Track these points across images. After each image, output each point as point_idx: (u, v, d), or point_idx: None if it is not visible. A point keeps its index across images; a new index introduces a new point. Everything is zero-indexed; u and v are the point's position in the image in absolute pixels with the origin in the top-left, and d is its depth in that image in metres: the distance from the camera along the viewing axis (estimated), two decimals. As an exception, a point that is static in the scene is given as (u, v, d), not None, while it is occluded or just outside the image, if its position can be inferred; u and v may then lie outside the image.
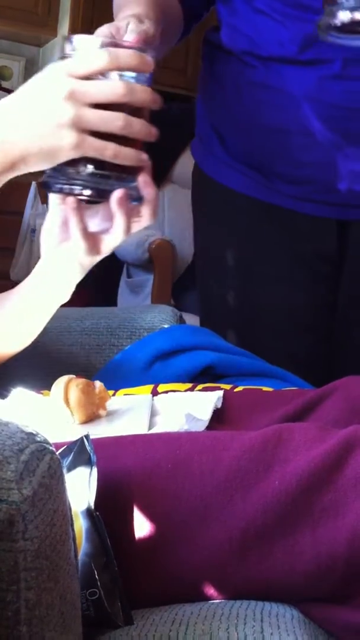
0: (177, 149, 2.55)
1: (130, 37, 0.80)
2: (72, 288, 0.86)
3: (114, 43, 0.72)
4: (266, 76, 1.04)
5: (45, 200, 3.60)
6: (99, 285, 2.63)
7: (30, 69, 4.03)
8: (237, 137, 1.12)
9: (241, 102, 1.08)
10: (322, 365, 1.19)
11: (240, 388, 0.88)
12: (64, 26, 3.69)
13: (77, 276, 0.84)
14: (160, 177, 2.53)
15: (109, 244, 0.79)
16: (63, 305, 0.99)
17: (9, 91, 3.74)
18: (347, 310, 1.18)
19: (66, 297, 0.87)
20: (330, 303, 1.17)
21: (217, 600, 0.57)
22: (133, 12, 0.88)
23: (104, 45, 0.70)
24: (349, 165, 1.04)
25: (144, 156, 0.73)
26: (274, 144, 1.07)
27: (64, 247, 0.81)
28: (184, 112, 2.43)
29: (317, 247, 1.15)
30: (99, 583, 0.53)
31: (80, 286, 0.91)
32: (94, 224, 0.80)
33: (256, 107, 1.07)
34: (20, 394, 0.86)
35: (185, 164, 2.56)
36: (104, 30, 0.82)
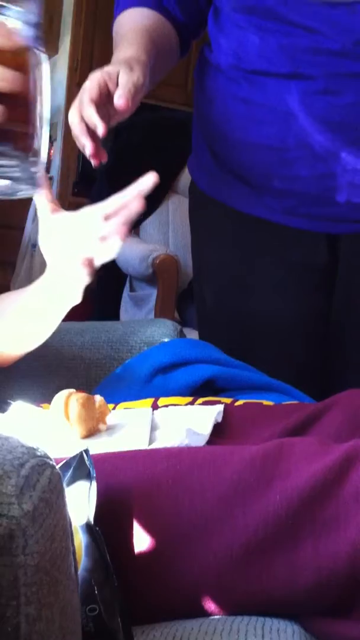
0: (183, 158, 2.55)
1: (120, 94, 0.82)
2: (81, 291, 0.87)
3: None
4: (251, 91, 1.05)
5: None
6: (102, 298, 2.63)
7: (32, 85, 4.06)
8: (227, 152, 1.13)
9: (228, 117, 1.09)
10: (319, 374, 1.19)
11: (240, 402, 0.88)
12: (65, 44, 3.72)
13: (83, 284, 0.86)
14: (165, 186, 2.54)
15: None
16: (65, 319, 1.03)
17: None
18: (342, 319, 1.18)
19: (76, 299, 0.89)
20: (325, 312, 1.18)
21: (218, 616, 0.57)
22: (125, 56, 0.91)
23: None
24: (336, 180, 1.04)
25: None
26: (261, 159, 1.07)
27: (66, 263, 0.85)
28: (189, 120, 2.45)
29: (308, 258, 1.15)
30: (98, 599, 0.52)
31: (84, 299, 0.93)
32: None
33: (242, 122, 1.07)
34: (20, 408, 0.86)
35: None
36: (96, 76, 0.85)
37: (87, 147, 0.83)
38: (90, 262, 0.84)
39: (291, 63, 0.99)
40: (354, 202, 1.06)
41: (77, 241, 0.85)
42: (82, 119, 0.85)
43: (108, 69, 0.86)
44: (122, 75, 0.85)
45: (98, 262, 0.85)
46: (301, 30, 0.97)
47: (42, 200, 0.87)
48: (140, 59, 0.92)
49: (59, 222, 0.87)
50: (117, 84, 0.85)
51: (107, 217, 0.84)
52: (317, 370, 1.20)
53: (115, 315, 2.63)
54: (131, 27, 1.03)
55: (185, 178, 2.60)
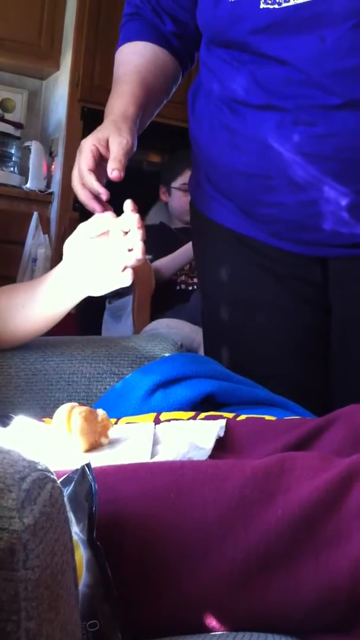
0: (148, 204, 2.78)
1: (112, 167, 0.95)
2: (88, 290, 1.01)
3: None
4: (232, 119, 1.06)
5: (46, 231, 3.62)
6: (84, 318, 2.70)
7: (33, 101, 4.08)
8: (215, 175, 1.15)
9: (213, 142, 1.11)
10: (319, 392, 1.20)
11: (242, 417, 0.88)
12: (67, 59, 3.74)
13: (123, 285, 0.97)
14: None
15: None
16: (61, 333, 1.07)
17: (12, 123, 3.79)
18: (340, 337, 1.18)
19: (84, 294, 1.02)
20: (322, 329, 1.18)
21: (219, 632, 0.56)
22: (115, 112, 1.03)
23: None
24: (317, 207, 1.05)
25: None
26: (245, 185, 1.09)
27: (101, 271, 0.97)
28: (150, 172, 2.77)
29: (300, 277, 1.17)
30: (99, 614, 0.52)
31: (66, 320, 1.03)
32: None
33: (225, 148, 1.09)
34: (22, 422, 0.86)
35: (153, 218, 2.78)
36: (88, 145, 0.98)
37: (96, 210, 0.96)
38: (126, 269, 0.95)
39: (265, 95, 1.01)
40: (336, 229, 1.07)
41: (108, 253, 0.97)
42: (84, 186, 0.97)
43: (98, 135, 0.98)
44: (112, 143, 0.97)
45: (132, 267, 0.95)
46: (273, 62, 0.98)
47: (100, 224, 0.97)
48: (128, 113, 1.03)
49: (92, 243, 0.98)
50: (107, 148, 0.98)
51: (125, 232, 0.95)
52: (317, 388, 1.20)
53: (97, 331, 2.69)
54: (125, 70, 1.12)
55: (148, 221, 2.77)
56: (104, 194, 0.95)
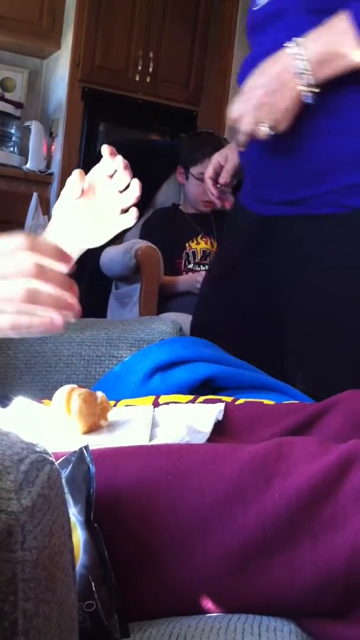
0: (158, 179, 2.72)
1: (223, 175, 1.37)
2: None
3: None
4: None
5: (46, 212, 3.61)
6: (90, 298, 2.69)
7: (34, 80, 4.05)
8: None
9: None
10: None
11: (241, 401, 0.88)
12: (68, 39, 3.71)
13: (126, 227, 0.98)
14: (145, 202, 2.68)
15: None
16: None
17: (12, 102, 3.76)
18: (283, 307, 1.23)
19: (81, 247, 1.00)
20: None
21: (215, 614, 0.57)
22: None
23: None
24: (263, 162, 1.17)
25: None
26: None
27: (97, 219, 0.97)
28: (166, 147, 2.76)
29: (263, 244, 1.23)
30: (96, 595, 0.52)
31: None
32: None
33: None
34: (21, 403, 0.86)
35: (166, 192, 2.74)
36: (216, 155, 1.39)
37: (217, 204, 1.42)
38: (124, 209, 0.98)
39: (245, 71, 1.16)
40: (276, 185, 1.17)
41: (100, 204, 0.97)
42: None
43: (223, 151, 1.39)
44: (228, 159, 1.36)
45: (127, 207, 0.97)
46: (254, 47, 1.20)
47: (77, 185, 0.96)
48: None
49: (78, 203, 0.98)
50: (226, 161, 1.37)
51: (110, 176, 0.97)
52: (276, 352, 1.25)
53: (102, 316, 2.68)
54: None
55: (162, 196, 2.74)
56: (214, 193, 1.39)
